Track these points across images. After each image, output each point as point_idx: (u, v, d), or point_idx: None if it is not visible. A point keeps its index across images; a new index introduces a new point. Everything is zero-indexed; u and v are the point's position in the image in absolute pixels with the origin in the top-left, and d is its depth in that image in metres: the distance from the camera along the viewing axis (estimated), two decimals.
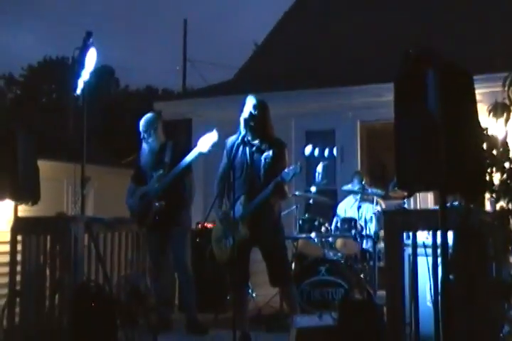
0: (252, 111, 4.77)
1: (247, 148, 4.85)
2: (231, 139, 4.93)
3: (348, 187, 6.96)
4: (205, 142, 5.19)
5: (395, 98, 3.33)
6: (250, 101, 4.83)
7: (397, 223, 4.05)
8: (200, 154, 5.30)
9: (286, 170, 4.65)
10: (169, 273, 5.55)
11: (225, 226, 4.84)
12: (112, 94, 24.84)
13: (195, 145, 5.28)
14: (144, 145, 5.60)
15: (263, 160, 4.78)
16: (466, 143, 3.19)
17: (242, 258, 4.79)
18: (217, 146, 5.20)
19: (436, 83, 3.18)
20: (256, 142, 4.83)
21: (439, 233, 3.46)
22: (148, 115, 5.67)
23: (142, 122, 5.60)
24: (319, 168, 6.68)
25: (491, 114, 4.41)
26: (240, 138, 4.81)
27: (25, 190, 5.02)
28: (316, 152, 9.30)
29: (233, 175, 4.72)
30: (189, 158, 5.29)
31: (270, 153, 4.78)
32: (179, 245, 5.46)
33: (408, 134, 3.26)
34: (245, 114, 4.78)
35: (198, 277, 6.32)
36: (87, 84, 4.97)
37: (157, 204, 5.36)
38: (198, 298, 6.17)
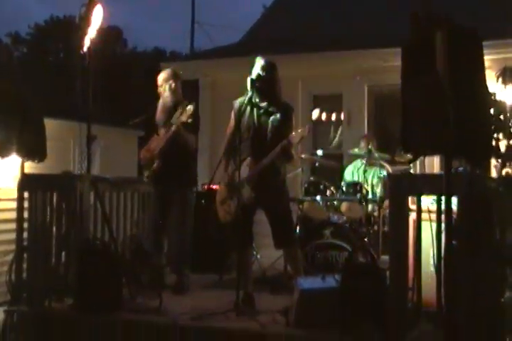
0: (261, 73, 4.73)
1: (255, 110, 4.82)
2: (239, 100, 4.90)
3: (354, 151, 6.94)
4: (184, 115, 5.23)
5: (402, 61, 3.30)
6: (259, 62, 4.78)
7: (402, 187, 4.05)
8: (182, 123, 5.31)
9: (293, 133, 4.64)
10: (177, 232, 5.55)
11: (230, 188, 4.85)
12: (119, 54, 24.71)
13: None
14: (160, 101, 5.57)
15: (270, 123, 4.76)
16: (473, 107, 3.17)
17: (247, 220, 4.80)
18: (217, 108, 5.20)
19: (444, 46, 3.14)
20: (264, 104, 4.80)
21: (443, 198, 3.48)
22: (167, 70, 5.64)
23: (159, 76, 5.58)
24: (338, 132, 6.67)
25: (500, 79, 4.39)
26: (247, 99, 4.77)
27: (31, 147, 5.05)
28: (323, 116, 9.27)
29: (240, 137, 4.71)
30: (176, 126, 5.30)
31: (278, 116, 4.76)
32: (180, 206, 5.45)
33: (415, 97, 3.24)
34: (253, 75, 4.74)
35: (202, 238, 6.39)
36: (93, 41, 4.94)
37: (157, 162, 5.37)
38: (202, 259, 6.25)
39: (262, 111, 4.81)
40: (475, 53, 3.24)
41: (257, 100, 4.79)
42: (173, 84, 5.54)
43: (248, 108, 4.82)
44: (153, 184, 5.55)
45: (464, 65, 3.17)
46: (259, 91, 4.73)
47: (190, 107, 5.21)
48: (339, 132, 6.58)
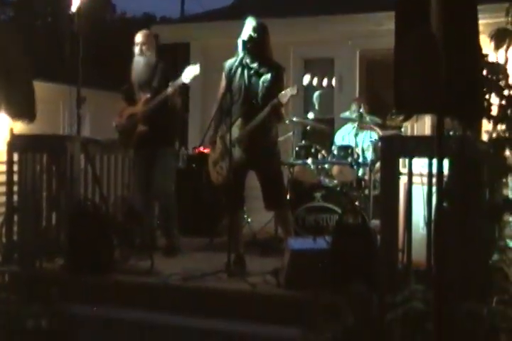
0: (252, 33, 4.69)
1: (246, 71, 4.79)
2: (229, 62, 4.86)
3: (345, 114, 6.92)
4: (188, 73, 5.14)
5: (396, 18, 3.26)
6: (250, 23, 4.74)
7: (393, 149, 4.05)
8: (182, 84, 5.25)
9: (283, 92, 4.62)
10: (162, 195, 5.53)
11: (221, 150, 4.83)
12: (108, 20, 24.43)
13: (180, 74, 5.21)
14: (137, 59, 5.45)
15: (261, 84, 4.74)
16: (466, 66, 3.15)
17: (238, 181, 4.80)
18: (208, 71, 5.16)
19: (439, 4, 3.11)
20: (254, 65, 4.77)
21: (434, 161, 3.48)
22: (144, 31, 5.53)
23: (139, 35, 5.46)
24: (314, 97, 6.64)
25: (493, 39, 4.36)
26: (238, 60, 4.73)
27: (20, 108, 5.01)
28: (315, 81, 9.21)
29: (231, 98, 4.68)
30: (172, 87, 5.22)
31: (268, 76, 4.73)
32: (162, 170, 5.42)
33: (408, 55, 3.21)
34: (244, 36, 4.69)
35: (193, 201, 6.40)
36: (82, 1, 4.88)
37: (141, 127, 5.31)
38: (194, 222, 6.26)
39: (252, 72, 4.78)
40: (469, 13, 3.21)
41: (248, 61, 4.75)
42: (153, 45, 5.46)
43: (239, 69, 4.78)
44: (137, 148, 5.48)
45: (458, 24, 3.14)
46: (251, 52, 4.69)
47: (197, 67, 5.12)
48: (315, 97, 6.55)
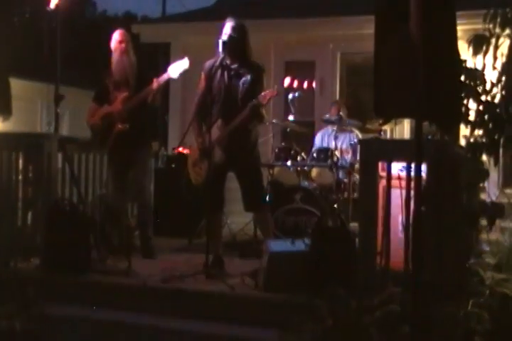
0: (231, 34, 4.68)
1: (226, 72, 4.77)
2: (209, 62, 4.84)
3: (325, 117, 6.93)
4: (176, 68, 5.09)
5: (375, 22, 3.28)
6: (229, 23, 4.73)
7: (372, 152, 4.06)
8: (169, 79, 5.21)
9: (263, 93, 4.62)
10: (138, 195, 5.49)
11: (201, 150, 4.82)
12: (89, 17, 24.30)
13: (165, 70, 5.18)
14: (115, 58, 5.36)
15: (241, 85, 4.72)
16: (444, 71, 3.18)
17: (218, 182, 4.79)
18: (188, 72, 5.12)
19: (418, 9, 3.14)
20: (234, 66, 4.76)
21: (413, 165, 3.50)
22: (121, 30, 5.45)
23: (117, 34, 5.40)
24: (289, 99, 6.65)
25: (471, 45, 4.40)
26: (218, 61, 4.72)
27: None
28: (295, 83, 9.22)
29: (210, 99, 4.67)
30: (157, 82, 5.18)
31: (248, 77, 4.72)
32: (140, 170, 5.37)
33: (387, 60, 3.23)
34: (224, 36, 4.68)
35: (172, 202, 6.36)
36: None
37: (121, 126, 5.26)
38: (172, 223, 6.22)
39: (232, 73, 4.77)
40: (448, 19, 3.24)
41: (228, 62, 4.74)
42: (130, 44, 5.43)
43: (219, 70, 4.77)
44: (114, 147, 5.36)
45: (437, 29, 3.17)
46: (230, 52, 4.68)
47: (185, 61, 5.08)
48: (290, 99, 6.56)
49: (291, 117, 6.71)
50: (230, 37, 4.67)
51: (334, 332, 3.49)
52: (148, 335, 4.05)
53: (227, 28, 4.71)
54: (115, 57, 5.37)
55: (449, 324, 3.31)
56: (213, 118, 4.70)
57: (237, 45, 4.69)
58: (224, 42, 4.65)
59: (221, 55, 4.68)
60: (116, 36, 5.37)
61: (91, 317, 4.21)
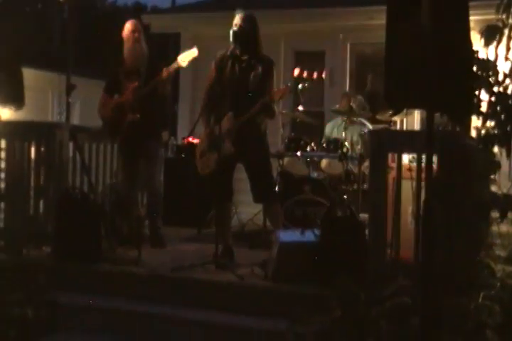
0: (242, 25, 4.67)
1: (236, 63, 4.78)
2: (220, 54, 4.83)
3: (335, 108, 6.91)
4: (185, 57, 5.08)
5: (387, 12, 3.26)
6: (239, 15, 4.72)
7: (382, 143, 4.05)
8: (179, 68, 5.19)
9: (275, 90, 4.64)
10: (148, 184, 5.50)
11: (209, 141, 4.81)
12: (99, 7, 24.28)
13: (174, 60, 5.17)
14: (127, 48, 5.36)
15: (251, 78, 4.72)
16: (456, 61, 3.16)
17: (226, 173, 4.79)
18: (198, 62, 5.12)
19: None
20: (245, 57, 4.76)
21: (424, 155, 3.49)
22: (133, 21, 5.44)
23: (129, 24, 5.39)
24: (299, 90, 6.62)
25: (483, 36, 4.38)
26: (229, 52, 4.73)
27: (9, 94, 4.97)
28: (305, 74, 9.19)
29: (220, 91, 4.68)
30: (167, 71, 5.18)
31: (259, 70, 4.72)
32: (150, 160, 5.37)
33: (398, 50, 3.22)
34: (234, 28, 4.68)
35: (181, 192, 6.37)
36: None
37: (131, 116, 5.26)
38: (181, 213, 6.23)
39: (243, 64, 4.77)
40: (460, 8, 3.21)
41: (238, 53, 4.73)
42: (141, 35, 5.42)
43: (229, 61, 4.77)
44: (125, 137, 5.36)
45: (449, 19, 3.14)
46: (241, 44, 4.67)
47: (194, 50, 5.05)
48: (299, 89, 6.53)
49: (300, 107, 6.69)
50: (241, 28, 4.66)
51: (343, 324, 3.50)
52: (158, 324, 4.06)
53: (238, 19, 4.71)
54: (127, 46, 5.36)
55: (459, 316, 3.30)
56: (223, 110, 4.70)
57: (247, 37, 4.69)
58: (235, 33, 4.64)
59: (231, 46, 4.68)
60: (129, 26, 5.37)
61: (101, 306, 4.23)
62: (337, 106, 6.92)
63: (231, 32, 4.66)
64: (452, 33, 3.15)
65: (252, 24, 4.74)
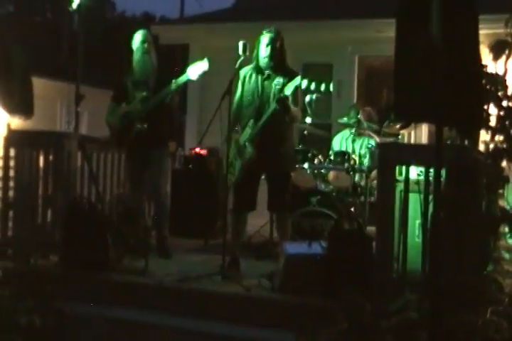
0: (274, 45, 4.78)
1: (259, 77, 4.89)
2: (244, 70, 4.95)
3: (343, 120, 6.92)
4: (195, 70, 5.12)
5: (396, 25, 3.27)
6: (269, 35, 4.82)
7: (390, 156, 4.05)
8: (188, 80, 5.23)
9: (289, 84, 4.68)
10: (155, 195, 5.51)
11: (235, 151, 4.90)
12: (108, 17, 24.42)
13: (183, 72, 5.20)
14: (137, 58, 5.40)
15: (273, 87, 4.79)
16: (465, 75, 3.17)
17: (250, 183, 4.86)
18: (207, 74, 5.16)
19: (439, 11, 3.13)
20: (270, 71, 4.86)
21: (432, 169, 3.49)
22: (143, 31, 5.47)
23: (140, 34, 5.42)
24: (306, 102, 6.64)
25: (492, 50, 4.39)
26: (253, 68, 4.89)
27: (19, 104, 5.00)
28: (312, 86, 9.21)
29: (243, 103, 4.87)
30: (176, 83, 5.20)
31: (281, 79, 4.79)
32: (157, 170, 5.39)
33: (407, 64, 3.22)
34: (264, 51, 4.80)
35: (188, 203, 6.36)
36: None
37: (139, 126, 5.28)
38: (188, 223, 6.23)
39: (268, 76, 4.87)
40: (470, 23, 3.22)
41: (264, 67, 4.84)
42: (151, 45, 5.45)
43: (253, 75, 4.90)
44: (132, 147, 5.39)
45: (459, 33, 3.15)
46: (274, 63, 4.81)
47: (205, 63, 5.09)
48: (307, 101, 6.55)
49: (308, 120, 6.70)
50: (273, 49, 4.78)
51: (349, 336, 3.48)
52: (164, 335, 4.06)
53: (268, 38, 4.80)
54: (137, 57, 5.39)
55: (467, 332, 3.28)
56: (245, 120, 4.86)
57: (280, 56, 4.84)
58: (265, 56, 4.79)
59: (262, 65, 4.83)
60: (139, 36, 5.40)
61: (107, 316, 4.25)
62: (345, 118, 6.92)
63: (262, 53, 4.80)
64: (462, 47, 3.16)
65: (282, 43, 4.86)
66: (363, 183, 6.21)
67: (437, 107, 3.13)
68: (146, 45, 5.37)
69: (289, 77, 4.78)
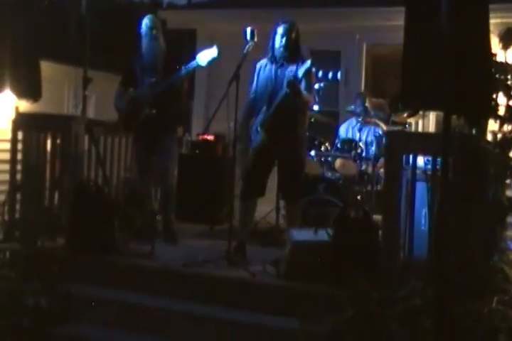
0: (290, 36, 4.82)
1: (274, 66, 4.91)
2: (260, 62, 4.99)
3: (350, 108, 6.90)
4: (205, 56, 5.10)
5: (406, 13, 3.26)
6: (285, 26, 4.84)
7: (398, 144, 4.04)
8: (198, 66, 5.21)
9: (301, 68, 4.70)
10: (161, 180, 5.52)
11: (247, 137, 4.93)
12: (116, 3, 24.31)
13: (193, 58, 5.18)
14: (145, 43, 5.38)
15: (286, 74, 4.79)
16: (475, 63, 3.15)
17: (261, 167, 4.85)
18: (216, 61, 5.15)
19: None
20: (283, 60, 4.88)
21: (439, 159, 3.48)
22: (151, 16, 5.45)
23: (148, 19, 5.39)
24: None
25: (502, 39, 4.36)
26: (268, 58, 4.93)
27: (26, 87, 5.00)
28: (320, 74, 9.18)
29: (258, 92, 4.90)
30: (186, 69, 5.18)
31: (294, 67, 4.80)
32: (164, 155, 5.39)
33: (416, 52, 3.21)
34: (279, 42, 4.83)
35: (194, 189, 6.37)
36: None
37: (147, 111, 5.27)
38: (194, 209, 6.24)
39: (281, 64, 4.89)
40: (480, 10, 3.21)
41: (278, 58, 4.87)
42: (159, 31, 5.43)
43: (268, 65, 4.94)
44: (139, 132, 5.40)
45: (469, 21, 3.14)
46: (289, 54, 4.84)
47: (214, 50, 5.07)
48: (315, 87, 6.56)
49: (315, 107, 6.68)
50: (287, 41, 4.81)
51: (355, 324, 3.49)
52: (168, 318, 4.07)
53: (283, 30, 4.83)
54: (145, 42, 5.38)
55: (472, 321, 3.29)
56: (259, 107, 4.88)
57: (294, 47, 4.87)
58: (280, 47, 4.83)
59: (277, 56, 4.86)
60: (147, 21, 5.38)
61: (113, 298, 4.27)
62: (352, 106, 6.89)
63: (278, 45, 4.83)
64: (471, 35, 3.15)
65: (297, 34, 4.89)
66: (369, 171, 6.21)
67: (446, 95, 3.13)
68: (154, 31, 5.35)
69: (302, 65, 4.78)
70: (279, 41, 4.84)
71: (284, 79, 4.79)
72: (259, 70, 4.98)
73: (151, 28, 5.35)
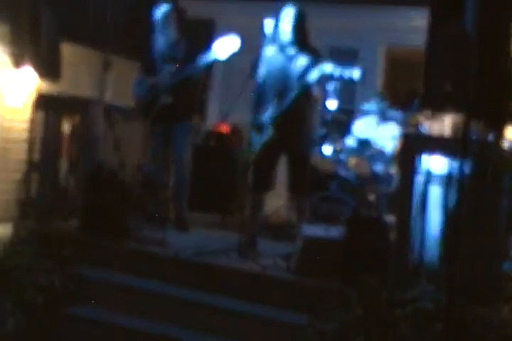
0: (293, 23, 4.70)
1: (282, 56, 4.83)
2: (267, 48, 4.89)
3: (367, 107, 6.89)
4: (224, 48, 5.08)
5: (430, 15, 3.24)
6: (291, 10, 4.74)
7: (413, 146, 4.04)
8: (216, 60, 5.21)
9: (315, 71, 4.62)
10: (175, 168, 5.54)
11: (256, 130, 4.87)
12: None
13: (212, 48, 5.17)
14: (159, 36, 5.41)
15: (297, 67, 4.74)
16: (497, 67, 3.15)
17: (269, 161, 4.83)
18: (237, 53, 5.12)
19: (475, 3, 3.10)
20: (292, 50, 4.80)
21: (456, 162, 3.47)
22: (167, 5, 5.45)
23: (166, 10, 5.40)
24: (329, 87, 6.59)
25: None
26: (276, 47, 4.80)
27: (47, 66, 4.99)
28: (337, 72, 9.15)
29: (266, 82, 4.80)
30: (205, 61, 5.18)
31: (305, 60, 4.74)
32: (179, 143, 5.41)
33: (439, 53, 3.21)
34: (286, 27, 4.71)
35: (208, 178, 6.37)
36: None
37: (164, 99, 5.27)
38: (206, 199, 6.25)
39: (290, 54, 4.80)
40: (505, 14, 3.20)
41: (288, 48, 4.77)
42: (176, 21, 5.43)
43: (276, 53, 4.83)
44: (156, 119, 5.38)
45: (494, 24, 3.13)
46: (295, 41, 4.73)
47: (235, 41, 5.06)
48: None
49: (333, 105, 6.65)
50: (295, 26, 4.70)
51: (364, 323, 3.49)
52: (178, 306, 4.09)
53: (289, 16, 4.72)
54: (163, 31, 5.38)
55: (482, 328, 3.29)
56: (267, 99, 4.78)
57: (302, 33, 4.76)
58: (287, 32, 4.70)
59: (282, 42, 4.74)
60: (166, 10, 5.38)
61: (122, 284, 4.29)
62: (368, 105, 6.87)
63: (282, 30, 4.69)
64: (495, 40, 3.14)
65: (304, 20, 4.77)
66: (383, 172, 6.20)
67: (466, 98, 3.12)
68: (172, 20, 5.36)
69: (313, 58, 4.73)
70: (285, 27, 4.71)
71: (294, 72, 4.72)
72: (265, 58, 4.84)
73: (168, 17, 5.36)
